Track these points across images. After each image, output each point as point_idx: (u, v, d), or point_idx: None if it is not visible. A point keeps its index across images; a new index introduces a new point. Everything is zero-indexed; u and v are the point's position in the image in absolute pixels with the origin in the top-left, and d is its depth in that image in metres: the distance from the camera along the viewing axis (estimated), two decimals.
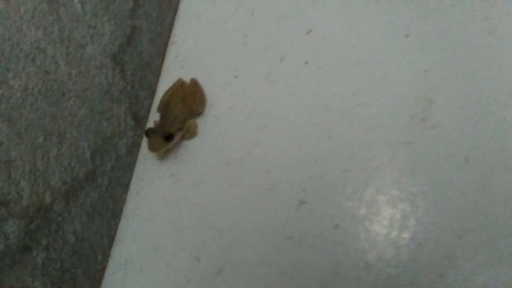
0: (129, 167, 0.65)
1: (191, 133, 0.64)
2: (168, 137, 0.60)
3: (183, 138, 0.64)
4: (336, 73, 0.58)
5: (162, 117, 0.64)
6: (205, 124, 0.64)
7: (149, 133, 0.61)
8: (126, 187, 0.65)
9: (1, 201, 0.46)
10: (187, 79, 0.67)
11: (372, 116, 0.53)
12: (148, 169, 0.66)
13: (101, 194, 0.60)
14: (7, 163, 0.46)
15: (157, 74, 0.71)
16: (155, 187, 0.63)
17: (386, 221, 0.47)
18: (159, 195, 0.62)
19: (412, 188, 0.48)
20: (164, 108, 0.65)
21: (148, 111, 0.69)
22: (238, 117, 0.61)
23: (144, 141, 0.68)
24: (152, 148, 0.60)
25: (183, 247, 0.57)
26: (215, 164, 0.60)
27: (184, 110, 0.63)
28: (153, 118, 0.69)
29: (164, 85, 0.70)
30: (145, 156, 0.67)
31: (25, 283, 0.49)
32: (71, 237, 0.55)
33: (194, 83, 0.66)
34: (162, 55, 0.72)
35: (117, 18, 0.61)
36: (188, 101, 0.64)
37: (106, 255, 0.61)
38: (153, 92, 0.71)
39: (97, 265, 0.59)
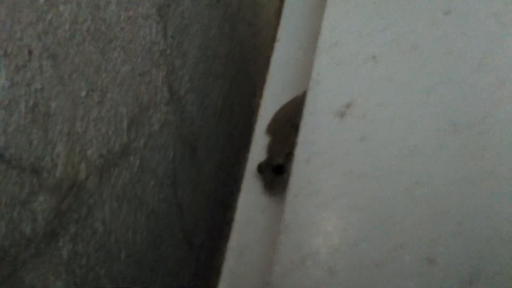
0: (159, 150, 0.54)
1: None
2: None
3: None
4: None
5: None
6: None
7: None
8: (154, 173, 0.53)
9: (34, 167, 0.33)
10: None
11: None
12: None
13: (132, 177, 0.48)
14: (46, 116, 0.34)
15: (193, 43, 0.60)
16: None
17: None
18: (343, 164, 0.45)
19: None
20: None
21: (180, 84, 0.58)
22: None
23: None
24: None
25: None
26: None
27: None
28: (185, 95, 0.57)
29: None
30: None
31: (47, 282, 0.36)
32: (99, 226, 0.42)
33: None
34: (202, 20, 0.61)
35: None
36: None
37: (130, 254, 0.48)
38: (185, 63, 0.59)
39: (120, 265, 0.47)
